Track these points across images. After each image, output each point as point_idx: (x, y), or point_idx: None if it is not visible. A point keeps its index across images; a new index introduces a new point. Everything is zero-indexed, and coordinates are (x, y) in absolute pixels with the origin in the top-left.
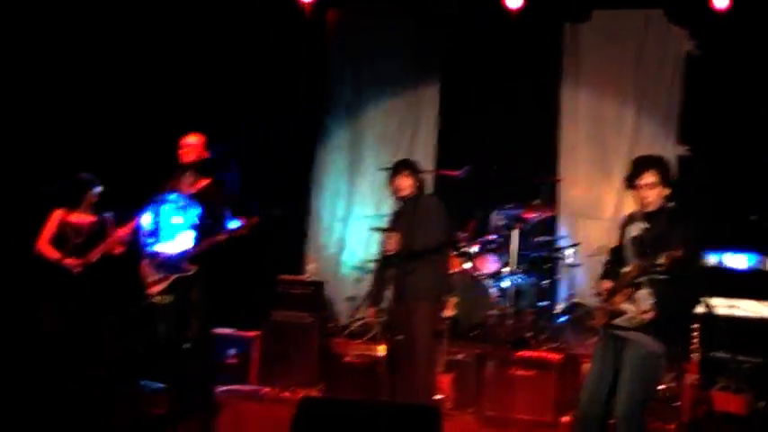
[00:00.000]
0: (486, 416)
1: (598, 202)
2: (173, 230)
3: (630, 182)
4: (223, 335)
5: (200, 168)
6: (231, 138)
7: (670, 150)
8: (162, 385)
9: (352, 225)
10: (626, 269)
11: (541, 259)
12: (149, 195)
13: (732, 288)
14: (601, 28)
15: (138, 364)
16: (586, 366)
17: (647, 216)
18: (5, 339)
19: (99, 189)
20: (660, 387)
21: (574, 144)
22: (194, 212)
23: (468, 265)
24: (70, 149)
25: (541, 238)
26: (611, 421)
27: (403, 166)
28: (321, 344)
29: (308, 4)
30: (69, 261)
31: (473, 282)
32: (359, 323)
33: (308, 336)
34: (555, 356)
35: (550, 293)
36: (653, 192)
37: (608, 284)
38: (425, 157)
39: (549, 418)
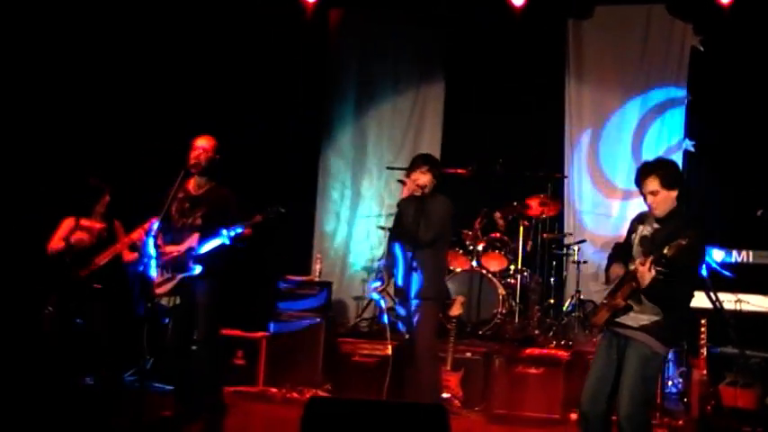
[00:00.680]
0: (495, 414)
1: (604, 199)
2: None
3: (639, 189)
4: (230, 336)
5: (209, 170)
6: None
7: (675, 145)
8: (169, 386)
9: (357, 225)
10: (633, 267)
11: (548, 256)
12: (154, 196)
13: (739, 283)
14: (603, 24)
15: (144, 366)
16: None
17: (659, 219)
18: (5, 339)
19: (108, 198)
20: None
21: (578, 140)
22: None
23: (474, 263)
24: (74, 150)
25: (548, 236)
26: (614, 418)
27: (422, 161)
28: (328, 344)
29: (310, 4)
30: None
31: (480, 280)
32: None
33: (315, 336)
34: (563, 354)
35: (557, 291)
36: (657, 198)
37: (618, 269)
38: None
39: (557, 415)
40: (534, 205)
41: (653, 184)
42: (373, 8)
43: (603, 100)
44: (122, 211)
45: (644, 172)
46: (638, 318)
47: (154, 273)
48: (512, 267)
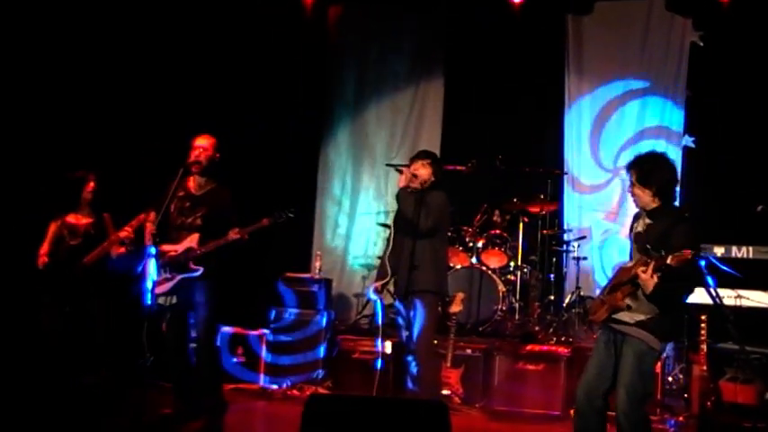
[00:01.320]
0: (495, 410)
1: (603, 196)
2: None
3: None
4: (230, 333)
5: (209, 170)
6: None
7: (675, 141)
8: (169, 385)
9: (357, 221)
10: (628, 264)
11: (548, 253)
12: (153, 195)
13: (739, 279)
14: (603, 20)
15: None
16: None
17: (649, 213)
18: (5, 339)
19: (93, 184)
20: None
21: (578, 136)
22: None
23: (474, 260)
24: (73, 150)
25: (547, 232)
26: (611, 413)
27: (425, 155)
28: (328, 341)
29: (309, 2)
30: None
31: (480, 276)
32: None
33: (315, 333)
34: (563, 350)
35: (557, 287)
36: (633, 192)
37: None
38: None
39: (557, 411)
40: (534, 201)
41: (633, 178)
42: (372, 5)
43: (603, 96)
44: (122, 212)
45: (627, 165)
46: (634, 315)
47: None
48: (512, 264)
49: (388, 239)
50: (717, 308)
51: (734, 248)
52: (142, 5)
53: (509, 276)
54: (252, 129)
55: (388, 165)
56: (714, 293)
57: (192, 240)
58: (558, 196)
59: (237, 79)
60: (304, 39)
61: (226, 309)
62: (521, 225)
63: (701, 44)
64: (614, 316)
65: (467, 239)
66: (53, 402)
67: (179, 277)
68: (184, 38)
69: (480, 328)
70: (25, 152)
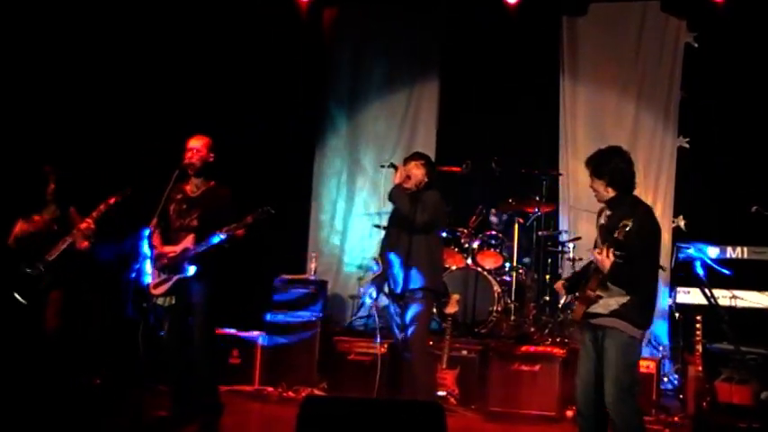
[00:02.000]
0: (491, 411)
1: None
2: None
3: None
4: (226, 335)
5: (203, 171)
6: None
7: (669, 142)
8: (165, 387)
9: (352, 223)
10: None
11: (543, 254)
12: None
13: (734, 279)
14: (598, 21)
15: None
16: None
17: (608, 205)
18: (5, 339)
19: (53, 185)
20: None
21: (574, 138)
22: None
23: (469, 261)
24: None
25: (543, 233)
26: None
27: (418, 156)
28: (324, 342)
29: (305, 3)
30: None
31: (475, 277)
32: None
33: (310, 335)
34: (558, 351)
35: (552, 288)
36: (592, 186)
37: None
38: None
39: (553, 412)
40: (529, 202)
41: (588, 173)
42: (368, 6)
43: (598, 97)
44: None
45: (585, 162)
46: (607, 303)
47: (149, 273)
48: (507, 265)
49: (383, 239)
50: (712, 308)
51: (729, 249)
52: (143, 7)
53: (504, 277)
54: (252, 129)
55: (383, 166)
56: (709, 294)
57: (188, 241)
58: (553, 197)
59: (237, 80)
60: (303, 40)
61: (221, 310)
62: (516, 226)
63: (696, 45)
64: (590, 310)
65: (462, 240)
66: (53, 402)
67: (175, 278)
68: (185, 39)
69: (476, 329)
70: (24, 152)
